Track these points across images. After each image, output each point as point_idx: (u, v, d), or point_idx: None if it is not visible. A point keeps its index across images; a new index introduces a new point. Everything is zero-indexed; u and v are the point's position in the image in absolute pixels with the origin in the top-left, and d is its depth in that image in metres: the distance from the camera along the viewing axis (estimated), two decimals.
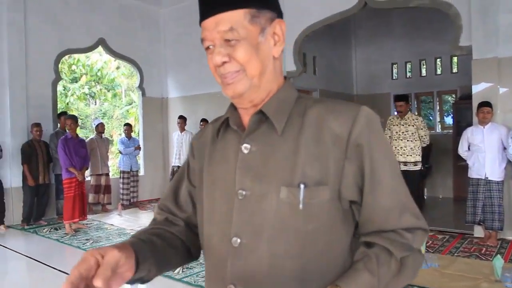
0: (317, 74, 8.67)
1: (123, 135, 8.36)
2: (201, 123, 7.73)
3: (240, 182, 0.87)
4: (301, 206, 0.81)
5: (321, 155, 0.82)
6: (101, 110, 14.68)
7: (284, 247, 0.82)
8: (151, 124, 9.00)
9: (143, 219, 6.92)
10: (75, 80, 13.48)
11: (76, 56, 11.73)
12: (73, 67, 13.11)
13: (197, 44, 7.70)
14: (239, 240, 0.85)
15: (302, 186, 0.81)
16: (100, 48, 8.25)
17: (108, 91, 14.39)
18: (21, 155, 6.44)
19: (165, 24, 9.11)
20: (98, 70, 13.28)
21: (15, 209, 6.62)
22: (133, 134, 8.60)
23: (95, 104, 14.99)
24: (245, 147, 0.88)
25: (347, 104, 0.87)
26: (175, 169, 7.95)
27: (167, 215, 1.03)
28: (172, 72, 9.02)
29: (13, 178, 6.65)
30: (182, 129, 7.99)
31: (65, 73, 12.37)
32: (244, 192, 0.86)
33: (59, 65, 7.67)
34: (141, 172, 8.71)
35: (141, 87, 8.85)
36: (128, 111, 14.10)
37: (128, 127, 8.33)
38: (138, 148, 8.24)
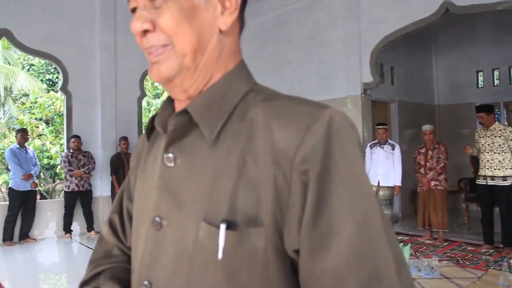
0: (395, 85, 8.37)
1: None
2: None
3: (157, 206, 0.63)
4: (220, 255, 0.55)
5: (260, 181, 0.55)
6: None
7: None
8: None
9: None
10: (157, 96, 14.32)
11: None
12: (156, 84, 13.96)
13: (272, 58, 7.73)
14: (149, 286, 0.63)
15: (223, 225, 0.55)
16: None
17: None
18: (110, 166, 6.95)
19: (241, 41, 9.34)
20: None
21: (104, 217, 7.14)
22: None
23: None
24: (168, 158, 0.63)
25: (306, 105, 0.58)
26: None
27: (115, 247, 0.84)
28: None
29: (103, 187, 7.19)
30: None
31: (148, 89, 13.19)
32: (160, 221, 0.63)
33: (144, 83, 8.20)
34: None
35: None
36: None
37: None
38: None
